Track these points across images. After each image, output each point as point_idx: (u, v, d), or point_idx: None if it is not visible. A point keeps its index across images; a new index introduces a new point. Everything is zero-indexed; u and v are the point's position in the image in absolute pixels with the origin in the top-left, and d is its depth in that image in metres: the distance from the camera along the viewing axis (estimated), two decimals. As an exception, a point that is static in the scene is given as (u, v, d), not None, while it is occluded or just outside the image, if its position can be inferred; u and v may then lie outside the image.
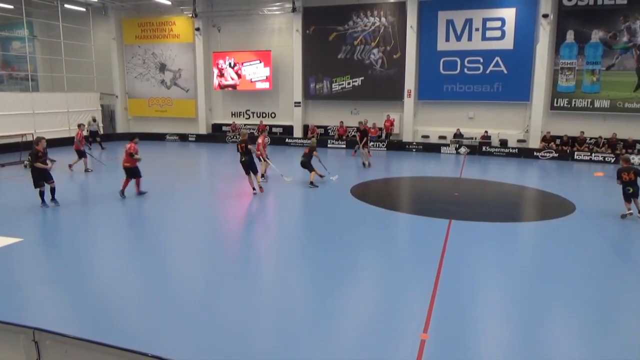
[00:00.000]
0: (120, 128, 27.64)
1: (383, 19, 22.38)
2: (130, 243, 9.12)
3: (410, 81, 22.26)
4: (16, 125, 20.42)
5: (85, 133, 22.72)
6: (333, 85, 23.69)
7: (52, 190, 11.10)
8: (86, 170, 16.32)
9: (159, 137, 26.26)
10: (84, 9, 25.38)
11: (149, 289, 6.82)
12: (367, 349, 5.08)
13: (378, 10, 22.38)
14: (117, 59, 27.04)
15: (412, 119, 22.64)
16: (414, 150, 22.33)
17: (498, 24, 20.80)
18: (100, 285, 6.91)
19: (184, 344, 5.13)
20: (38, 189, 10.91)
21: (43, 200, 10.99)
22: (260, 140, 14.01)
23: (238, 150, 12.85)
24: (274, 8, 23.90)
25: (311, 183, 13.89)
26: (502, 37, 20.79)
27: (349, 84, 23.42)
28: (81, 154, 16.29)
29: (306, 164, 14.12)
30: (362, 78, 23.14)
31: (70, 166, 16.37)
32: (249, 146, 12.75)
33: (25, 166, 16.44)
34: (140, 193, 12.49)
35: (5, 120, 20.39)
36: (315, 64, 23.73)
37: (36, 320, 4.90)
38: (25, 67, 25.85)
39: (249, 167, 12.69)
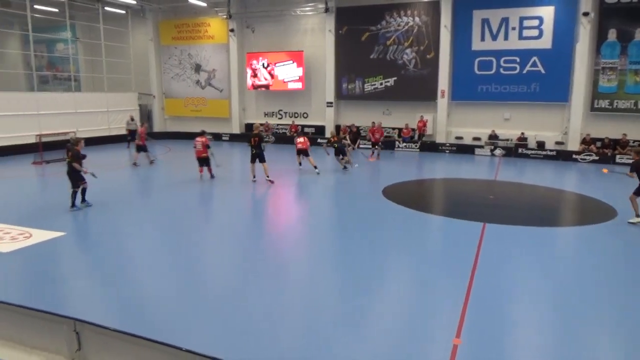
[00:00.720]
0: (157, 127, 28.34)
1: (416, 19, 22.16)
2: (169, 237, 9.35)
3: (443, 81, 21.96)
4: (60, 124, 21.25)
5: (124, 131, 23.57)
6: (365, 85, 23.61)
7: (83, 191, 11.03)
8: (151, 162, 17.67)
9: (194, 136, 26.59)
10: (123, 12, 26.16)
11: (183, 283, 6.97)
12: (397, 352, 5.05)
13: (411, 10, 22.17)
14: (154, 60, 27.75)
15: (445, 119, 22.32)
16: (447, 151, 22.02)
17: (536, 22, 20.26)
18: (139, 279, 7.13)
19: (215, 339, 5.24)
20: (73, 190, 10.78)
21: (74, 204, 10.81)
22: (308, 142, 16.27)
23: (251, 143, 14.11)
24: (307, 8, 24.02)
25: (348, 165, 16.61)
26: (540, 36, 20.23)
27: (381, 84, 23.29)
28: (142, 149, 17.49)
29: (341, 150, 16.31)
30: (395, 78, 22.97)
31: (134, 164, 17.49)
32: (262, 142, 14.24)
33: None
34: (212, 176, 14.65)
35: (50, 119, 21.27)
36: (347, 64, 23.71)
37: (77, 311, 5.09)
38: (68, 68, 26.90)
39: (259, 158, 14.01)
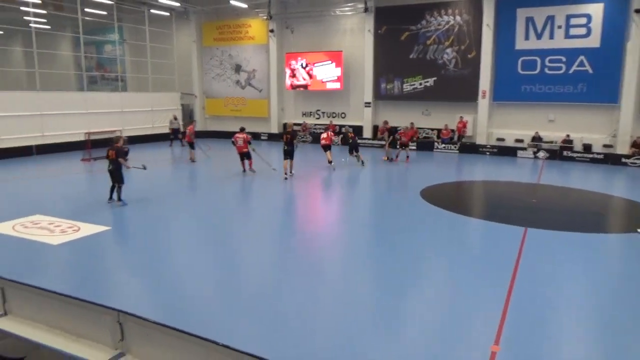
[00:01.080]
0: (198, 126, 28.95)
1: (457, 18, 21.76)
2: (209, 233, 9.60)
3: (485, 81, 21.46)
4: (107, 122, 22.12)
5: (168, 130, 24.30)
6: (404, 85, 23.38)
7: (113, 189, 11.35)
8: (192, 161, 18.36)
9: (234, 135, 26.98)
10: (167, 14, 26.96)
11: (220, 279, 7.16)
12: (432, 356, 4.99)
13: (452, 9, 21.79)
14: (196, 61, 28.46)
15: (486, 120, 21.81)
16: (487, 153, 21.50)
17: (583, 20, 19.48)
18: (179, 274, 7.33)
19: (249, 335, 5.33)
20: (118, 185, 11.21)
21: (120, 198, 11.26)
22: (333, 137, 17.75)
23: (284, 140, 15.14)
24: (346, 9, 24.01)
25: (364, 161, 17.67)
26: (588, 34, 19.44)
27: (420, 84, 23.01)
28: (192, 146, 18.42)
29: (355, 146, 17.55)
30: (435, 78, 22.63)
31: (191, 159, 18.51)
32: (295, 140, 15.25)
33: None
34: (252, 170, 15.67)
35: (98, 118, 22.17)
36: (386, 64, 23.56)
37: (120, 303, 5.28)
38: (115, 69, 27.97)
39: (290, 154, 15.05)
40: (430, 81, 22.77)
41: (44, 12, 25.65)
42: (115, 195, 11.34)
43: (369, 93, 24.12)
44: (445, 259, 8.20)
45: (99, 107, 22.78)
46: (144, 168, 12.00)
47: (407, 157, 19.22)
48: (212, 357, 4.34)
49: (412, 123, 21.39)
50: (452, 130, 22.26)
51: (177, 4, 25.88)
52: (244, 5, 25.32)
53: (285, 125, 27.08)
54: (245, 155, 15.50)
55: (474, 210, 12.64)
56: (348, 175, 16.02)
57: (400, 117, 23.44)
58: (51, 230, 9.24)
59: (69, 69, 29.53)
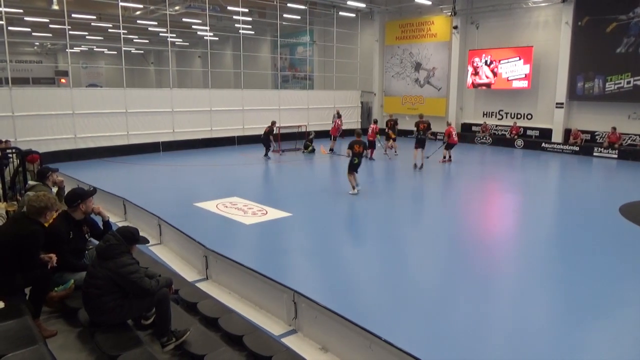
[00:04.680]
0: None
1: (688, 3, 18.12)
2: (383, 225, 10.03)
3: None
4: (294, 118, 24.34)
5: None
6: (607, 84, 20.44)
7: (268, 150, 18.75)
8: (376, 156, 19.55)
9: (407, 133, 26.94)
10: (354, 15, 28.25)
11: (391, 275, 7.36)
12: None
13: (681, -7, 18.21)
14: (378, 60, 29.23)
15: None
16: None
17: None
18: (350, 263, 7.84)
19: (412, 336, 5.42)
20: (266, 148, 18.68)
21: (267, 155, 18.67)
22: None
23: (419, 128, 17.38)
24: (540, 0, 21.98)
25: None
26: None
27: (628, 82, 19.83)
28: (371, 145, 19.57)
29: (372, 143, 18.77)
30: (649, 76, 19.29)
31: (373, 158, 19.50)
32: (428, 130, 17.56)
33: (303, 152, 20.29)
34: (372, 159, 18.47)
35: (287, 114, 24.55)
36: (585, 60, 20.88)
37: (295, 283, 5.89)
38: (305, 69, 30.45)
39: (422, 144, 17.16)
40: (641, 79, 19.49)
41: (249, 19, 29.24)
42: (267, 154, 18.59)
43: (562, 93, 21.69)
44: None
45: (289, 104, 25.16)
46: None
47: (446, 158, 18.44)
48: (374, 350, 4.57)
49: (614, 128, 18.68)
50: (668, 138, 18.75)
51: (363, 5, 26.91)
52: (428, 2, 25.08)
53: (464, 126, 26.17)
54: (371, 144, 18.38)
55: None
56: (526, 180, 14.76)
57: (598, 121, 20.70)
58: (245, 212, 10.67)
59: (267, 70, 33.14)
